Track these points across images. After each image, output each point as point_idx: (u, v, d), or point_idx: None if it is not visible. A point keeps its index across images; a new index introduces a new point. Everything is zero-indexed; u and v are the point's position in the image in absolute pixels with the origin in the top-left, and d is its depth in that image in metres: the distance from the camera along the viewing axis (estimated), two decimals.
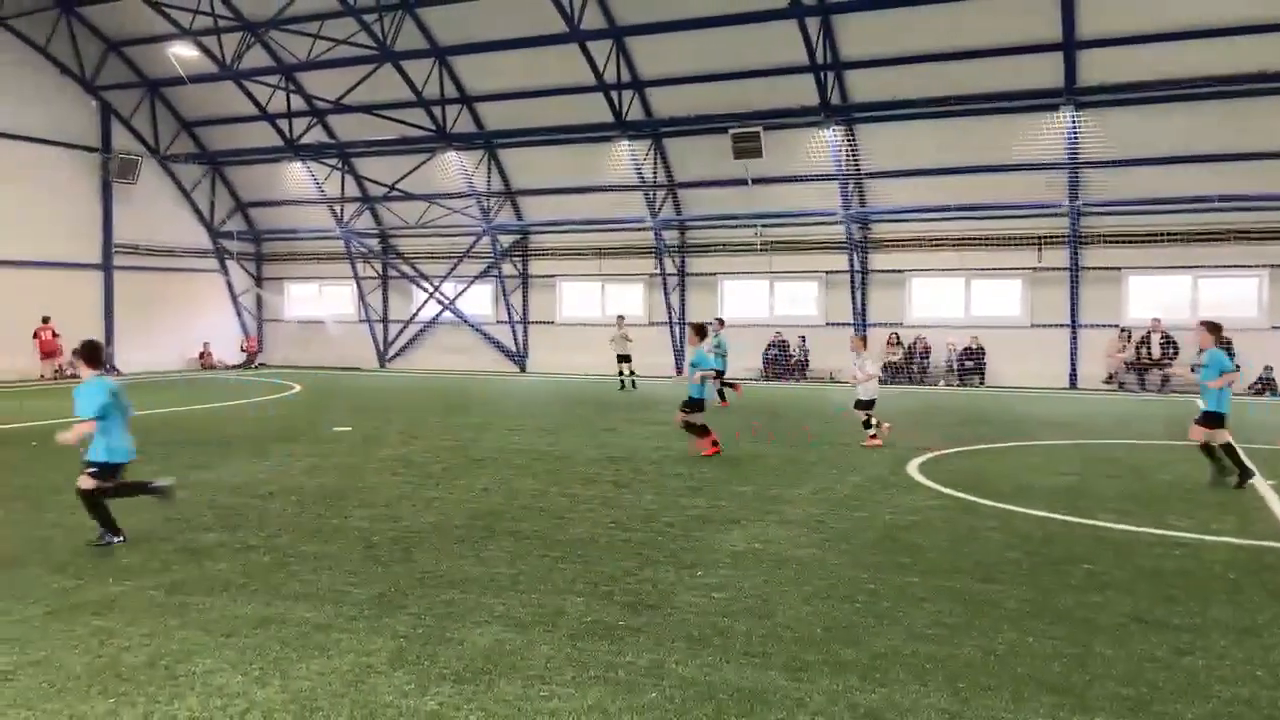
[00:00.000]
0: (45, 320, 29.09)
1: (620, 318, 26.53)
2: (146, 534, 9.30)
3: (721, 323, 23.19)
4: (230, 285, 36.04)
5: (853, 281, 28.26)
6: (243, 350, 35.87)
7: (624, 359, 25.76)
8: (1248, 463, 12.03)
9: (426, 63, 28.40)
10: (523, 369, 32.77)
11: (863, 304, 28.40)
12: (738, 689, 5.59)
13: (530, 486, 11.82)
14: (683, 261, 30.78)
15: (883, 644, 6.33)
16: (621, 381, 25.69)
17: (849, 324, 28.53)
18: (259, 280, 37.19)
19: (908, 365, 27.93)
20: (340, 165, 32.76)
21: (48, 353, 29.19)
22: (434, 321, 34.14)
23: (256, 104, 31.70)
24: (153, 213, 33.02)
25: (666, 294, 30.39)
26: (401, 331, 34.88)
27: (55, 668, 5.84)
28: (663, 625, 6.70)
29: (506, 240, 32.84)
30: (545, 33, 25.60)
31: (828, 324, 29.16)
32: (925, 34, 23.90)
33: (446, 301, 33.59)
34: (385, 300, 35.48)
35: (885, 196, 27.62)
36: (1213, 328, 12.55)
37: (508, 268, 32.98)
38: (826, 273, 29.02)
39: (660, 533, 9.42)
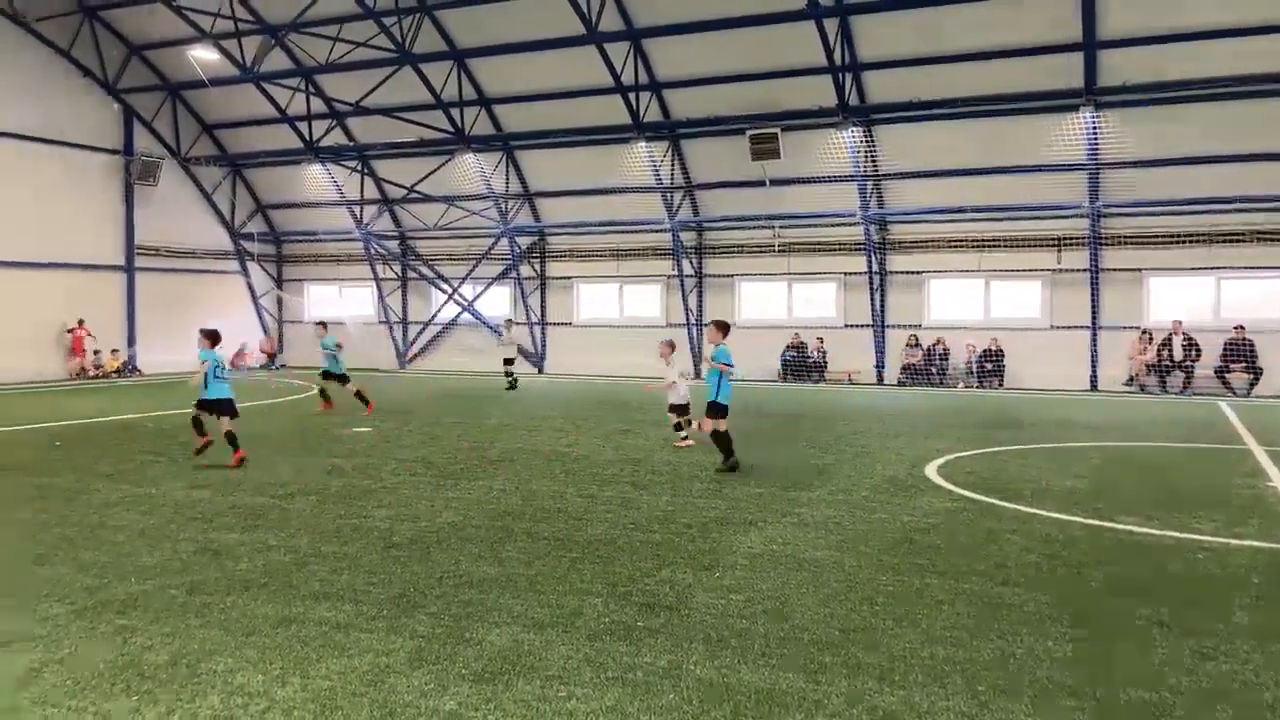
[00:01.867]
0: (80, 322, 29.59)
1: (509, 321, 26.42)
2: (168, 533, 9.37)
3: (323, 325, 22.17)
4: (251, 286, 36.28)
5: (871, 283, 28.18)
6: (261, 351, 36.08)
7: (509, 361, 26.59)
8: None
9: (445, 65, 28.52)
10: (540, 370, 32.83)
11: (881, 305, 28.32)
12: (756, 690, 5.59)
13: (548, 487, 11.85)
14: (700, 263, 30.78)
15: (901, 646, 6.31)
16: (510, 383, 26.09)
17: (868, 325, 28.49)
18: (280, 282, 37.41)
19: (927, 367, 27.83)
20: (360, 167, 32.93)
21: (78, 352, 29.64)
22: (453, 323, 34.25)
23: (277, 106, 31.90)
24: (174, 214, 33.29)
25: (684, 296, 30.39)
26: (421, 333, 35.02)
27: (79, 665, 5.89)
28: (680, 626, 6.70)
29: (524, 242, 32.93)
30: (563, 35, 25.67)
31: (846, 326, 29.09)
32: (944, 34, 23.84)
33: (465, 303, 33.70)
34: (404, 302, 35.63)
35: (904, 197, 27.54)
36: None
37: (526, 269, 33.06)
38: (845, 274, 28.96)
39: (678, 534, 9.43)
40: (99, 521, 9.93)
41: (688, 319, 30.45)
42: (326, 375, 20.45)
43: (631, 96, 27.22)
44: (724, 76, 26.47)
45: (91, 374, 29.94)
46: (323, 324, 21.82)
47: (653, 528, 9.69)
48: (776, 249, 29.23)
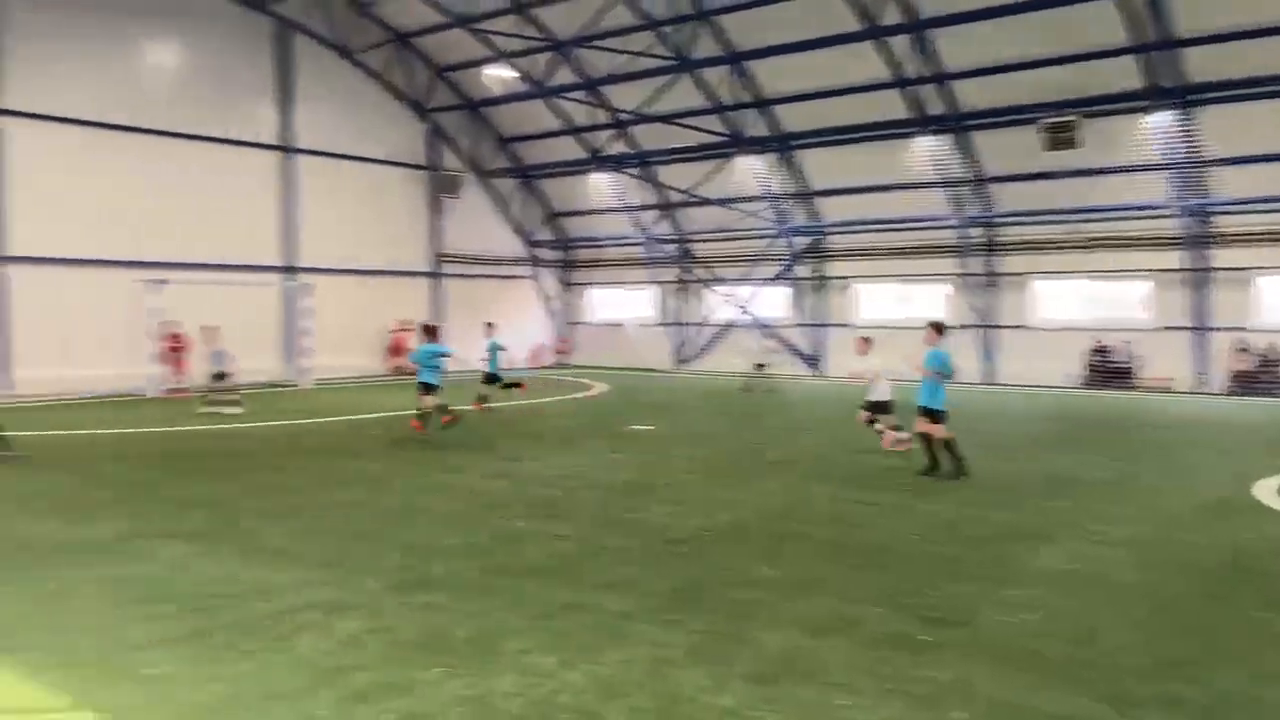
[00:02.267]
0: (401, 323, 32.68)
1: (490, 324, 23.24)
2: (469, 519, 10.06)
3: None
4: (541, 290, 38.40)
5: (1189, 281, 25.62)
6: (556, 351, 38.11)
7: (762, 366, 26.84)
8: None
9: (722, 69, 28.85)
10: (819, 373, 32.47)
11: (1202, 305, 25.67)
12: (1054, 716, 5.21)
13: (825, 491, 11.68)
14: (991, 261, 29.25)
15: (1226, 683, 5.67)
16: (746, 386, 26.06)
17: (1186, 328, 25.94)
18: (567, 285, 39.34)
19: (1260, 374, 24.83)
20: (641, 174, 33.99)
21: (395, 350, 32.63)
22: (728, 325, 34.59)
23: (565, 119, 33.54)
24: (473, 224, 35.84)
25: (974, 295, 28.97)
26: (698, 333, 35.65)
27: (392, 635, 6.43)
28: (967, 642, 6.38)
29: (801, 242, 32.69)
30: (841, 31, 25.24)
31: (1164, 328, 26.54)
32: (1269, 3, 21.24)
33: (741, 304, 33.94)
34: (682, 304, 36.40)
35: (1229, 186, 24.81)
36: None
37: (803, 270, 32.81)
38: (1156, 271, 26.49)
39: (964, 546, 9.00)
40: (409, 505, 10.83)
41: (977, 319, 29.01)
42: (488, 379, 20.66)
43: (914, 90, 26.30)
44: (1014, 64, 24.96)
45: (407, 371, 32.78)
46: (490, 324, 22.08)
47: (936, 538, 9.31)
48: (1076, 245, 27.23)
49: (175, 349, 24.55)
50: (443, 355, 16.43)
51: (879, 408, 14.92)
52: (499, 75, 30.68)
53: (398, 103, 33.20)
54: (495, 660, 6.00)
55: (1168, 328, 26.38)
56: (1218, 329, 25.63)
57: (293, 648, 6.19)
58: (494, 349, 20.85)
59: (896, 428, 14.66)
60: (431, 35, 31.72)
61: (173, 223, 26.79)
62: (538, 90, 30.98)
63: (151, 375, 24.26)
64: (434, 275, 34.72)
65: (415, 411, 16.42)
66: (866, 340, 15.75)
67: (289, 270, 29.95)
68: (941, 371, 12.53)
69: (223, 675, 5.73)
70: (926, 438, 12.62)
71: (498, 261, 36.87)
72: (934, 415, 12.52)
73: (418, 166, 34.16)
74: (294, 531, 9.43)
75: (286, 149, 30.00)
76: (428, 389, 16.15)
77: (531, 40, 29.47)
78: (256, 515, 10.17)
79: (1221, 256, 25.62)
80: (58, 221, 24.72)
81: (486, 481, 12.30)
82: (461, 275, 35.41)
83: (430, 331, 17.23)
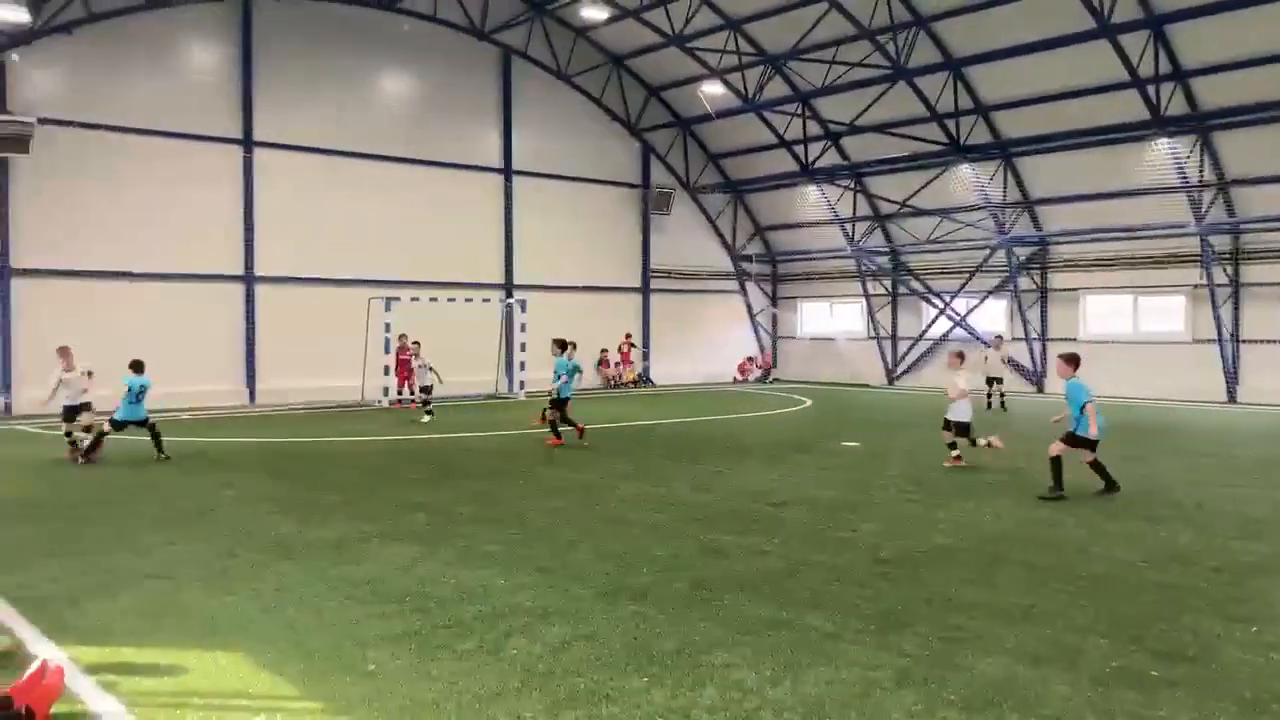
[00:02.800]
0: (627, 336, 34.27)
1: (998, 338, 21.25)
2: (675, 531, 10.19)
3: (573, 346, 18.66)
4: (748, 305, 38.42)
5: None
6: (757, 366, 38.02)
7: (995, 380, 25.51)
8: None
9: (940, 76, 27.99)
10: (1040, 389, 30.86)
11: None
12: None
13: (1046, 515, 11.09)
14: (1236, 271, 26.92)
15: None
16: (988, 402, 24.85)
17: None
18: (774, 300, 39.19)
19: None
20: (852, 185, 33.45)
21: (623, 362, 34.00)
22: (944, 338, 33.44)
23: (775, 132, 33.49)
24: (682, 240, 36.33)
25: (1216, 308, 26.74)
26: (911, 348, 34.64)
27: (600, 644, 6.61)
28: (1206, 681, 5.91)
29: (1023, 253, 31.20)
30: (1069, 32, 23.98)
31: None
32: None
33: (958, 318, 32.74)
34: (894, 317, 35.49)
35: None
36: None
37: (1024, 281, 31.29)
38: None
39: (1202, 578, 8.32)
40: (617, 515, 11.09)
41: (1219, 334, 26.79)
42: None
43: (1150, 89, 24.61)
44: (1265, 57, 22.92)
45: (614, 384, 33.59)
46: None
47: (1170, 568, 8.66)
48: None
49: (404, 362, 26.11)
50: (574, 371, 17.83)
51: (960, 429, 14.73)
52: (710, 91, 31.06)
53: (612, 123, 34.18)
54: (699, 673, 6.06)
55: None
56: None
57: (505, 650, 6.47)
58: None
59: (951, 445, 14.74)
60: (645, 55, 32.46)
61: (403, 243, 28.68)
62: (749, 105, 31.13)
63: (383, 386, 25.97)
64: (643, 291, 35.42)
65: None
66: (959, 356, 15.35)
67: (508, 288, 31.35)
68: (1082, 401, 12.15)
69: (439, 674, 6.06)
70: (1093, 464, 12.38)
71: (706, 276, 37.20)
72: (1082, 442, 12.25)
73: (630, 185, 35.01)
74: (508, 538, 9.85)
75: (507, 171, 31.48)
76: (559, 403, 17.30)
77: (745, 55, 29.67)
78: (473, 521, 10.70)
79: None
80: (299, 243, 26.96)
81: (693, 494, 12.43)
82: (670, 290, 35.97)
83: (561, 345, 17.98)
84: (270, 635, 6.82)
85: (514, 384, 29.53)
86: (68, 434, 15.92)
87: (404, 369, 26.09)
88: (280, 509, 11.40)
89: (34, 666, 5.55)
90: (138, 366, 15.96)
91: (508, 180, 31.50)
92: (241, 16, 26.17)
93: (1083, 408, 12.15)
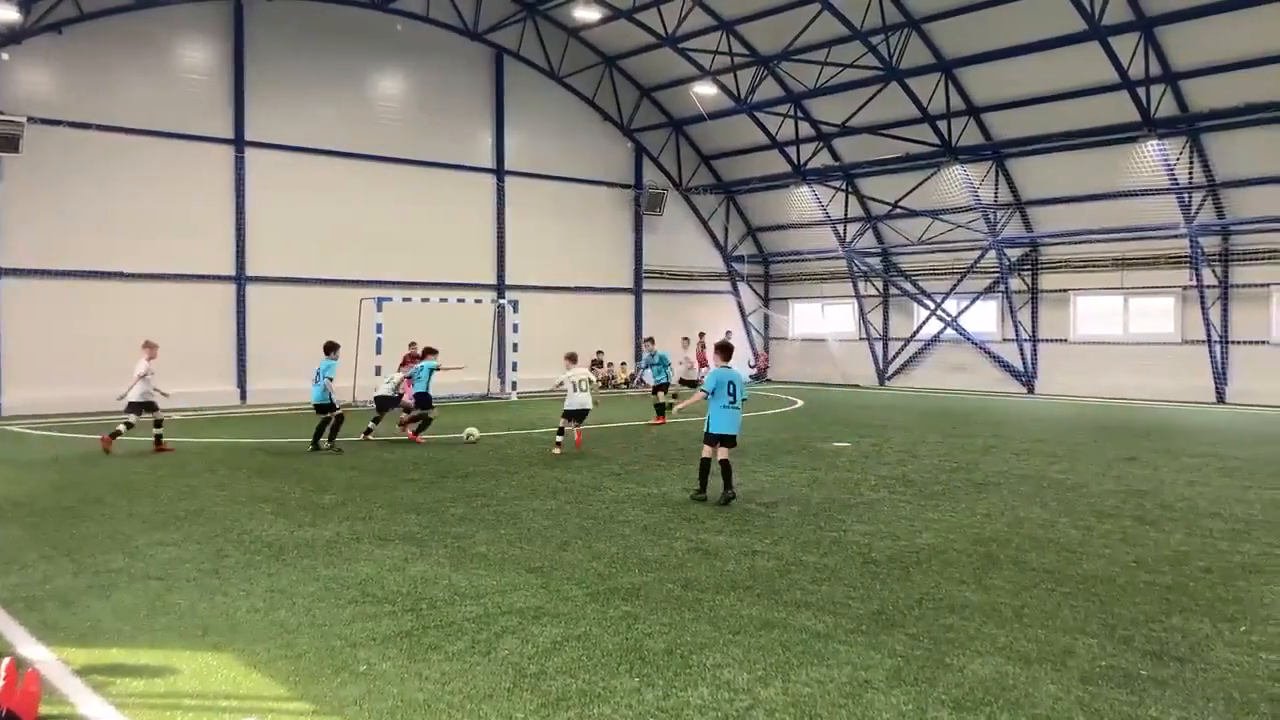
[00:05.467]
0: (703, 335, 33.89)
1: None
2: (666, 531, 10.20)
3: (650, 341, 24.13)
4: (740, 306, 38.46)
5: None
6: (751, 366, 38.06)
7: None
8: None
9: (932, 77, 28.06)
10: (1030, 390, 30.95)
11: None
12: None
13: (1037, 515, 11.13)
14: (1225, 272, 27.04)
15: None
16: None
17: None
18: (766, 301, 39.24)
19: None
20: (844, 186, 33.51)
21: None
22: (935, 339, 33.52)
23: (767, 133, 33.54)
24: (674, 240, 36.37)
25: (1205, 309, 26.87)
26: (901, 349, 34.71)
27: (592, 644, 6.62)
28: (1194, 681, 5.94)
29: (1014, 254, 31.29)
30: (1060, 34, 24.07)
31: None
32: None
33: (948, 319, 32.82)
34: (885, 318, 35.55)
35: None
36: None
37: (1015, 282, 31.39)
38: None
39: (1193, 579, 8.36)
40: (609, 515, 11.09)
41: (1209, 335, 26.90)
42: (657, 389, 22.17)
43: (1140, 91, 24.71)
44: (1258, 59, 23.03)
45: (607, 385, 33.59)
46: (650, 340, 24.69)
47: (1161, 568, 8.69)
48: None
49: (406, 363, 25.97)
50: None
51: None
52: (703, 92, 31.10)
53: (604, 123, 34.18)
54: (690, 673, 6.06)
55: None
56: None
57: (496, 651, 6.47)
58: (660, 362, 22.60)
59: None
60: (638, 56, 32.48)
61: (395, 243, 28.65)
62: (741, 106, 31.17)
63: (374, 387, 25.84)
64: (635, 291, 35.43)
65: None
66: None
67: (499, 288, 31.34)
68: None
69: (430, 674, 6.06)
70: None
71: (699, 277, 37.22)
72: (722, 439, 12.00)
73: (622, 185, 35.03)
74: (500, 538, 9.85)
75: (499, 171, 31.47)
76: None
77: (737, 56, 29.70)
78: (465, 521, 10.69)
79: None
80: (291, 243, 26.92)
81: (684, 495, 12.42)
82: (662, 291, 35.98)
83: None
84: (261, 636, 6.81)
85: (506, 385, 29.50)
86: (157, 423, 16.68)
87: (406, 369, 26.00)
88: (272, 509, 11.38)
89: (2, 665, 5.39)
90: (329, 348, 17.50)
91: (500, 180, 31.49)
92: (233, 16, 26.12)
93: (711, 392, 11.92)
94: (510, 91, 31.61)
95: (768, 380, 37.51)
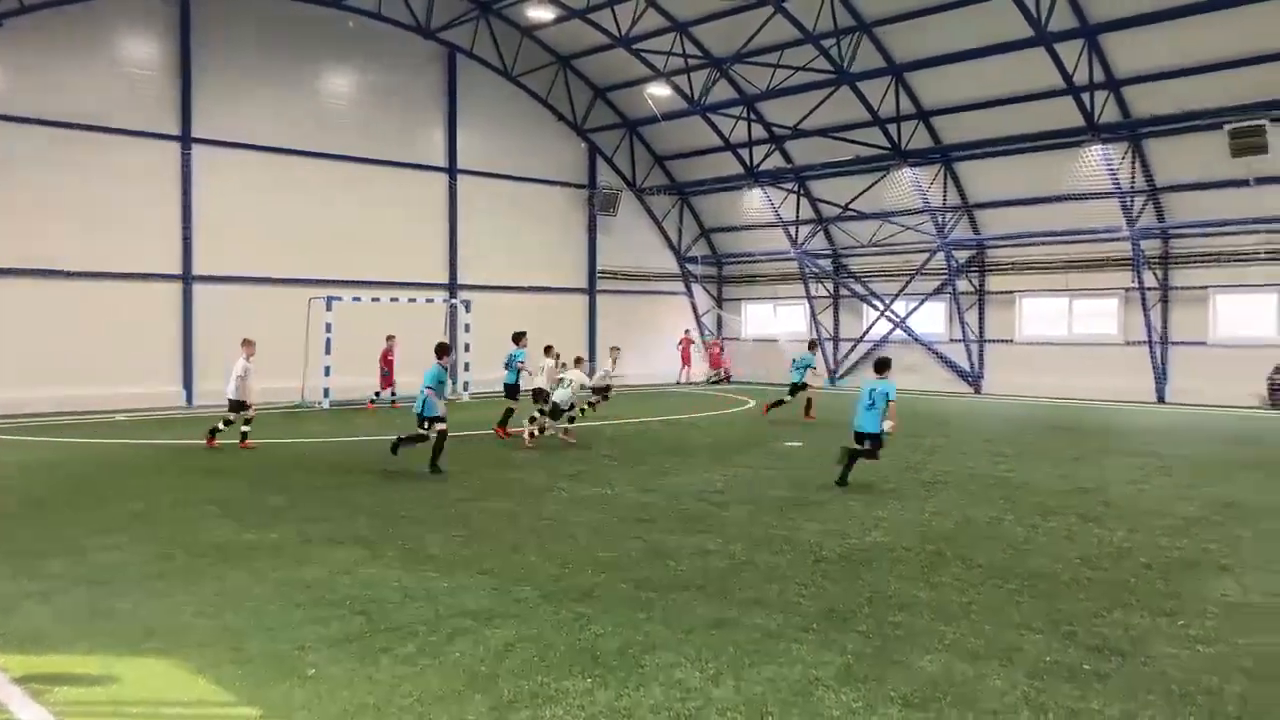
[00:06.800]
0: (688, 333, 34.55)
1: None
2: (620, 532, 10.21)
3: (814, 344, 24.74)
4: (694, 306, 38.58)
5: None
6: (713, 367, 38.27)
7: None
8: None
9: (882, 81, 28.36)
10: (977, 390, 31.42)
11: None
12: None
13: (985, 513, 11.30)
14: (1166, 274, 27.66)
15: None
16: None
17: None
18: (720, 301, 39.41)
19: None
20: (796, 189, 33.77)
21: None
22: (884, 340, 33.89)
23: (720, 135, 33.68)
24: (629, 241, 36.38)
25: (1146, 310, 27.47)
26: (852, 349, 35.05)
27: (545, 645, 6.60)
28: (1136, 674, 6.07)
29: (962, 256, 31.75)
30: (1008, 39, 24.46)
31: None
32: None
33: (897, 320, 33.21)
34: (836, 319, 35.87)
35: None
36: None
37: (963, 284, 31.84)
38: None
39: (1134, 574, 8.55)
40: (563, 516, 11.08)
41: (1149, 336, 27.51)
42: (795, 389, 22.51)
43: (1085, 97, 25.19)
44: (1196, 67, 23.59)
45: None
46: (813, 342, 25.40)
47: (1104, 565, 8.88)
48: (1263, 256, 25.45)
49: (390, 363, 25.72)
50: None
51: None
52: (656, 94, 31.15)
53: (558, 123, 34.09)
54: (643, 673, 6.08)
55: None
56: None
57: (448, 653, 6.43)
58: (805, 364, 22.78)
59: None
60: (592, 56, 32.45)
61: (345, 242, 28.33)
62: (695, 107, 31.26)
63: (324, 388, 25.58)
64: (589, 292, 35.40)
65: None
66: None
67: (452, 288, 31.12)
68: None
69: (381, 677, 6.01)
70: None
71: (653, 277, 37.28)
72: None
73: (576, 185, 34.97)
74: (452, 540, 9.79)
75: (452, 170, 31.26)
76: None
77: (689, 58, 29.79)
78: (416, 523, 10.61)
79: None
80: (240, 241, 26.49)
81: (637, 495, 12.45)
82: (617, 291, 35.99)
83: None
84: (208, 640, 6.70)
85: (459, 385, 29.30)
86: (247, 421, 17.06)
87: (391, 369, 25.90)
88: (220, 512, 11.21)
89: None
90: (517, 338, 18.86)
91: (452, 179, 31.28)
92: (180, 11, 25.64)
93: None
94: (463, 90, 31.41)
95: (719, 380, 37.59)
